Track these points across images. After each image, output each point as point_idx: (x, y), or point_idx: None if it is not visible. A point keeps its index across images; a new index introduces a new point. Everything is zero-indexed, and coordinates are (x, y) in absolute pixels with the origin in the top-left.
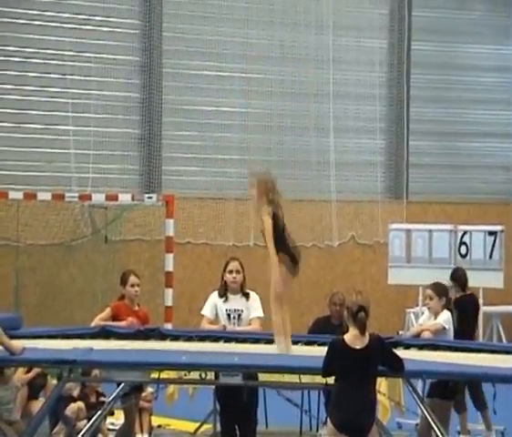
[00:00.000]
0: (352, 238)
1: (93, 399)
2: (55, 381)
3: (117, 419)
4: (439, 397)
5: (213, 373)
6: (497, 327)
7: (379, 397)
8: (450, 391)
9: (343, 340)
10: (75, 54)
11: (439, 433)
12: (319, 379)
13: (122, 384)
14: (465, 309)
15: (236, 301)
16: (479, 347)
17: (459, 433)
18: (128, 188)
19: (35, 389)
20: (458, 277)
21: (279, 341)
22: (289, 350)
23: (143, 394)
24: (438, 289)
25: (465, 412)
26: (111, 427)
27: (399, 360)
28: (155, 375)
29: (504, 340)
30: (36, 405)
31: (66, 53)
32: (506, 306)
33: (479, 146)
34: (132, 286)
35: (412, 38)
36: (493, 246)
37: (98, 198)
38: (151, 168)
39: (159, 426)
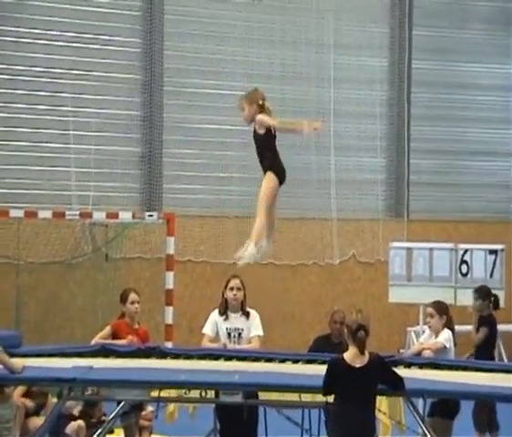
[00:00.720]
0: (352, 256)
1: (97, 417)
2: (55, 400)
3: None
4: (440, 416)
5: (213, 392)
6: (499, 346)
7: (379, 416)
8: (451, 410)
9: (343, 358)
10: (76, 72)
11: None
12: (319, 397)
13: (122, 403)
14: (494, 325)
15: (236, 320)
16: (480, 366)
17: None
18: (128, 206)
19: (33, 407)
20: (488, 293)
21: (254, 244)
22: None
23: (143, 413)
24: (439, 307)
25: (496, 432)
26: None
27: (399, 379)
28: (155, 394)
29: (505, 359)
30: (35, 422)
31: (67, 71)
32: (507, 325)
33: (480, 164)
34: (132, 303)
35: (412, 57)
36: (494, 265)
37: (99, 215)
38: (152, 186)
39: None
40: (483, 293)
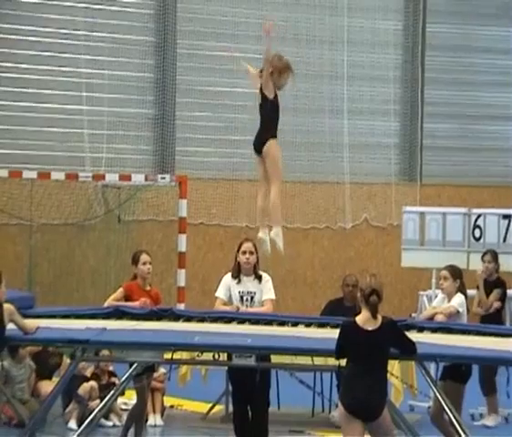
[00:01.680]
0: (365, 220)
1: (105, 379)
2: (69, 361)
3: (130, 399)
4: (452, 380)
5: (226, 355)
6: (510, 311)
7: (391, 379)
8: (463, 375)
9: (355, 321)
10: (88, 33)
11: (452, 416)
12: (332, 361)
13: (135, 364)
14: (506, 289)
15: (249, 283)
16: (493, 330)
17: (481, 416)
18: (141, 169)
19: (47, 368)
20: (497, 257)
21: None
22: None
23: (155, 375)
24: (453, 270)
25: (495, 395)
26: (124, 407)
27: (411, 344)
28: (168, 356)
29: None
30: (46, 385)
31: (79, 33)
32: None
33: (494, 129)
34: (144, 264)
35: (427, 20)
36: (507, 229)
37: (112, 178)
38: (165, 149)
39: (172, 407)
40: (495, 257)
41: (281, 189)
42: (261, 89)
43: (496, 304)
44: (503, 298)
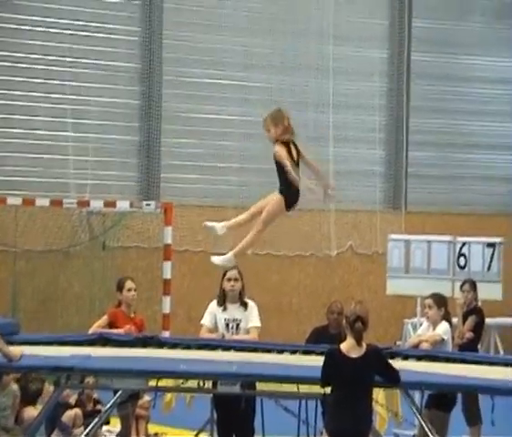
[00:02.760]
0: (350, 247)
1: (90, 406)
2: (52, 388)
3: (114, 426)
4: (437, 408)
5: (211, 382)
6: (495, 339)
7: (376, 407)
8: (448, 403)
9: (340, 349)
10: (74, 60)
11: None
12: (317, 388)
13: (119, 392)
14: (483, 318)
15: (234, 311)
16: (477, 359)
17: None
18: (126, 195)
19: (29, 394)
20: (476, 286)
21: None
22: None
23: (140, 402)
24: (438, 299)
25: (478, 426)
26: (108, 434)
27: (395, 372)
28: (153, 383)
29: (501, 352)
30: (29, 411)
31: (65, 59)
32: (503, 318)
33: (479, 157)
34: (129, 290)
35: (412, 49)
36: (492, 258)
37: (97, 204)
38: (150, 176)
39: (156, 434)
40: (474, 285)
41: (259, 237)
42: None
43: (468, 334)
44: (479, 325)
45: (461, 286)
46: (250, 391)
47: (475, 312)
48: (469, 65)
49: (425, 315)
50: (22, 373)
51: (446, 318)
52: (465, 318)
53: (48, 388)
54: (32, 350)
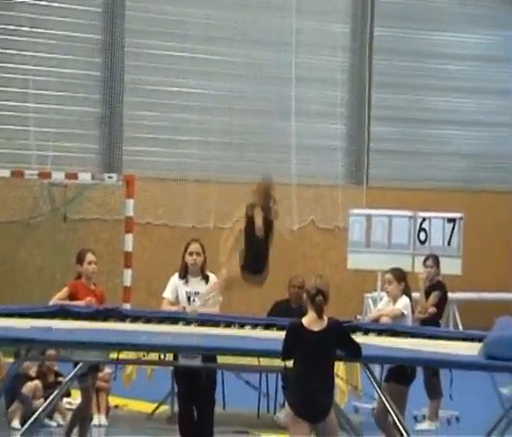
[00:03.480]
0: (311, 222)
1: (50, 378)
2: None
3: (75, 398)
4: (396, 382)
5: (172, 355)
6: (454, 314)
7: (337, 380)
8: (407, 377)
9: (301, 322)
10: (35, 30)
11: (395, 418)
12: (278, 362)
13: (80, 364)
14: (446, 293)
15: (196, 284)
16: (437, 333)
17: (424, 418)
18: (88, 168)
19: None
20: (438, 261)
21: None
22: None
23: (101, 374)
24: (397, 274)
25: (438, 399)
26: (68, 406)
27: (357, 346)
28: (114, 355)
29: (460, 327)
30: None
31: (25, 29)
32: (463, 293)
33: (439, 133)
34: (89, 263)
35: (375, 24)
36: (452, 233)
37: (58, 176)
38: (112, 148)
39: (117, 406)
40: (437, 261)
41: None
42: None
43: (431, 309)
44: (442, 301)
45: (424, 261)
46: (211, 364)
47: (438, 288)
48: (432, 40)
49: (385, 290)
50: None
51: (406, 292)
52: (427, 293)
53: (2, 359)
54: None
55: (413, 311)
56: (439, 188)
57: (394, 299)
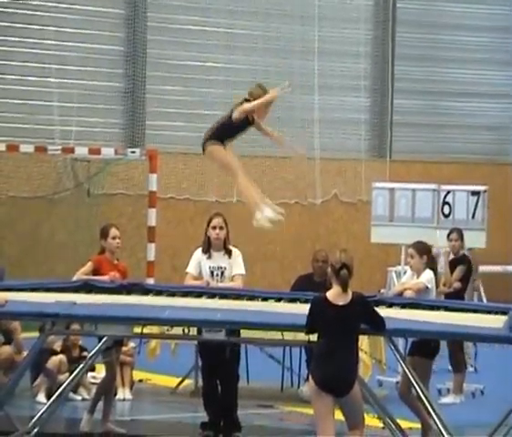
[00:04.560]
0: (335, 195)
1: (75, 353)
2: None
3: (99, 373)
4: (420, 355)
5: (196, 329)
6: (478, 286)
7: (361, 354)
8: (431, 350)
9: (326, 297)
10: (58, 5)
11: (419, 391)
12: (301, 336)
13: (104, 338)
14: (471, 268)
15: (219, 258)
16: (461, 306)
17: (448, 391)
18: (111, 142)
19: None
20: (463, 234)
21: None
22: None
23: (125, 349)
24: (419, 247)
25: (462, 373)
26: (93, 381)
27: (381, 319)
28: (138, 330)
29: (484, 299)
30: (5, 351)
31: (49, 4)
32: (487, 266)
33: (464, 105)
34: (113, 238)
35: None
36: (476, 206)
37: (81, 151)
38: (135, 123)
39: (141, 381)
40: (461, 234)
41: (241, 181)
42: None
43: (456, 284)
44: (467, 275)
45: (448, 234)
46: (234, 339)
47: (463, 262)
48: (455, 12)
49: (409, 264)
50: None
51: (431, 266)
52: (452, 266)
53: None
54: (16, 296)
55: (437, 285)
56: (463, 161)
57: (418, 273)
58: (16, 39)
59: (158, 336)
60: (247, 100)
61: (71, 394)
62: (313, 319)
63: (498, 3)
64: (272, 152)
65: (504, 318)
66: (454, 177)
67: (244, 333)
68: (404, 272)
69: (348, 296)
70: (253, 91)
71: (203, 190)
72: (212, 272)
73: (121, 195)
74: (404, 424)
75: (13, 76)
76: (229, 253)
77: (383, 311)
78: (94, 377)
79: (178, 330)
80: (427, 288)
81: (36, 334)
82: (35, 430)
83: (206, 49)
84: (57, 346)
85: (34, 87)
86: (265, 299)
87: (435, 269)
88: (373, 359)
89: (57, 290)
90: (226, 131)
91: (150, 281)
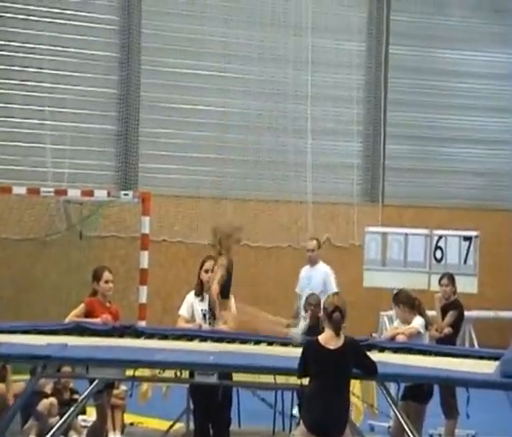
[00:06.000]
0: (327, 239)
1: (66, 396)
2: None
3: (90, 416)
4: (414, 400)
5: (188, 372)
6: (470, 332)
7: (352, 399)
8: (424, 395)
9: (318, 340)
10: (52, 48)
11: (411, 436)
12: (293, 379)
13: (96, 381)
14: (462, 313)
15: None
16: (453, 351)
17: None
18: (104, 185)
19: None
20: (454, 279)
21: None
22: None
23: (116, 392)
24: (396, 299)
25: (455, 418)
26: (84, 424)
27: (373, 364)
28: (129, 373)
29: (476, 344)
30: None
31: (43, 47)
32: (478, 311)
33: (456, 151)
34: (106, 282)
35: (390, 42)
36: (468, 251)
37: (74, 193)
38: (128, 165)
39: (132, 424)
40: (452, 279)
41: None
42: None
43: (447, 329)
44: (458, 319)
45: (439, 280)
46: (226, 382)
47: (454, 307)
48: (446, 58)
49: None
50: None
51: (418, 311)
52: (443, 311)
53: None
54: (8, 338)
55: (427, 328)
56: (455, 207)
57: (405, 322)
58: (10, 82)
59: (150, 379)
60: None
61: None
62: (306, 362)
63: (491, 50)
64: (265, 196)
65: (495, 363)
66: (445, 223)
67: (236, 377)
68: (397, 317)
69: (340, 340)
70: (221, 233)
71: (196, 233)
72: (205, 315)
73: (114, 237)
74: None
75: (5, 119)
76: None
77: (374, 356)
78: (85, 420)
79: (170, 373)
80: (419, 332)
81: (27, 377)
82: None
83: (199, 92)
84: (48, 389)
85: (27, 129)
86: (257, 342)
87: (422, 313)
88: (365, 403)
89: (49, 333)
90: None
91: (142, 324)
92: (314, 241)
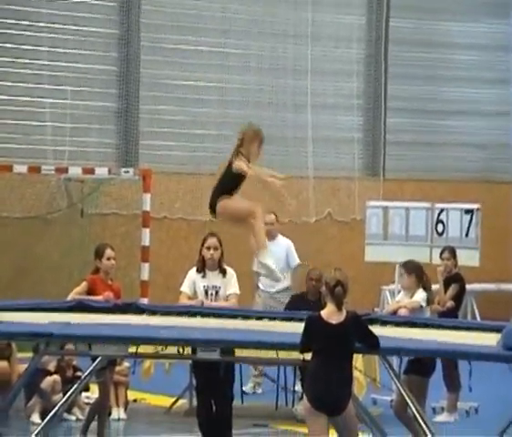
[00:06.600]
0: (328, 214)
1: (69, 373)
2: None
3: (93, 393)
4: (416, 374)
5: (190, 349)
6: (472, 305)
7: (355, 373)
8: (427, 368)
9: (320, 315)
10: (52, 25)
11: (414, 410)
12: (296, 354)
13: (98, 358)
14: (464, 286)
15: (213, 278)
16: (455, 324)
17: (443, 410)
18: (104, 162)
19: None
20: (455, 252)
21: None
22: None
23: (119, 368)
24: (408, 266)
25: (457, 391)
26: (87, 401)
27: (374, 338)
28: (132, 350)
29: (478, 317)
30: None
31: (43, 25)
32: (480, 284)
33: (456, 124)
34: (108, 259)
35: (390, 15)
36: (469, 224)
37: (75, 171)
38: (128, 142)
39: (135, 400)
40: (453, 253)
41: (259, 223)
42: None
43: (449, 303)
44: (460, 293)
45: (440, 253)
46: (229, 358)
47: (456, 280)
48: (447, 31)
49: (400, 284)
50: None
51: (423, 284)
52: (445, 284)
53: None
54: (10, 316)
55: (429, 303)
56: (456, 179)
57: (409, 292)
58: (9, 59)
59: (153, 356)
60: (240, 140)
61: (65, 414)
62: (308, 337)
63: (492, 21)
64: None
65: (497, 336)
66: (447, 196)
67: (239, 352)
68: (399, 291)
69: (342, 314)
70: (246, 132)
71: (197, 210)
72: (207, 291)
73: (115, 215)
74: None
75: (5, 97)
76: (223, 273)
77: (377, 330)
78: (88, 397)
79: (172, 350)
80: (422, 306)
81: (30, 354)
82: None
83: (199, 69)
84: (51, 366)
85: (27, 107)
86: (259, 318)
87: (427, 288)
88: (368, 377)
89: (52, 311)
90: (230, 184)
91: (144, 301)
92: (273, 216)
